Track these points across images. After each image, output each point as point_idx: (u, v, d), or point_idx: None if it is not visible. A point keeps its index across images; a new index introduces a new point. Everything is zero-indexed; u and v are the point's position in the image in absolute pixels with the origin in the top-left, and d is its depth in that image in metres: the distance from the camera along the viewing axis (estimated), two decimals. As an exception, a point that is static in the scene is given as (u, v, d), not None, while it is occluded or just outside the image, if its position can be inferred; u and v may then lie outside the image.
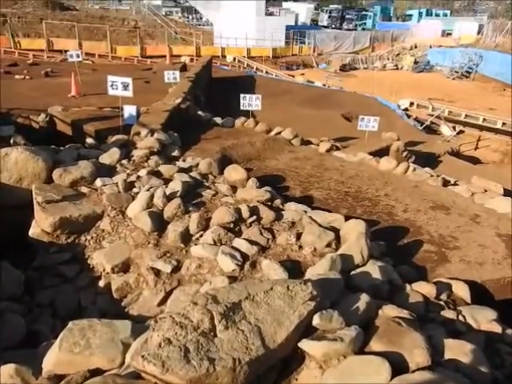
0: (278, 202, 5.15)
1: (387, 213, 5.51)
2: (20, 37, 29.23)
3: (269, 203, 5.01)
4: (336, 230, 4.25)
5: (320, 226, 4.30)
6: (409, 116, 19.59)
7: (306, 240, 4.09)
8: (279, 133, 8.65)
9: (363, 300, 2.82)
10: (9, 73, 15.14)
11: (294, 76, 28.49)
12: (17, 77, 14.31)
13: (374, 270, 3.57)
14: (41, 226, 4.78)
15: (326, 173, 6.84)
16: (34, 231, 4.82)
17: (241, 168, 6.01)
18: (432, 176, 6.95)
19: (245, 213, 4.57)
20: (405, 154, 10.30)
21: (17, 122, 8.19)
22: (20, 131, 7.03)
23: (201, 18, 56.63)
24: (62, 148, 6.23)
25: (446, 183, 6.80)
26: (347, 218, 4.50)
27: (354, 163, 7.51)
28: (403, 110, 20.36)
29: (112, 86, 7.33)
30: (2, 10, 34.41)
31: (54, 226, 4.69)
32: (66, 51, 20.51)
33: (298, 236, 4.19)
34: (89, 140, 7.12)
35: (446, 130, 18.69)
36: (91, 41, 30.25)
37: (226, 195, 5.27)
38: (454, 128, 18.91)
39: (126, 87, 7.29)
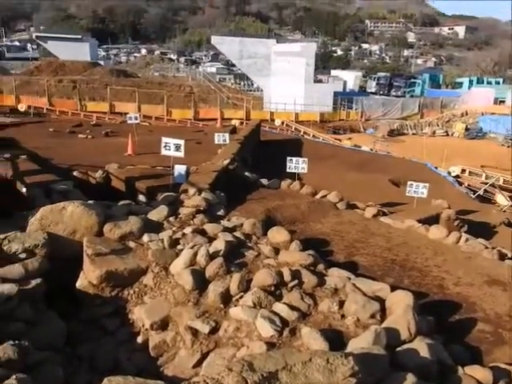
0: (321, 266, 5.04)
1: (437, 285, 5.22)
2: (86, 100, 31.92)
3: (311, 267, 4.92)
4: (381, 301, 4.07)
5: (364, 294, 4.13)
6: (460, 183, 19.05)
7: (348, 309, 3.93)
8: (325, 196, 8.65)
9: (409, 381, 2.62)
10: (73, 132, 16.42)
11: (340, 140, 28.87)
12: (80, 136, 15.48)
13: (421, 347, 3.33)
14: (88, 277, 4.92)
15: (372, 239, 6.68)
16: (81, 283, 4.97)
17: (284, 230, 6.00)
18: (487, 248, 6.58)
19: (286, 276, 4.50)
20: (456, 222, 9.91)
21: (76, 177, 8.73)
22: (78, 186, 7.47)
23: (252, 85, 59.69)
24: (114, 203, 6.52)
25: (502, 256, 6.40)
26: (393, 288, 4.30)
27: (401, 230, 7.30)
28: (454, 177, 19.87)
29: (165, 146, 7.73)
30: (73, 77, 38.04)
31: (100, 278, 4.81)
32: (126, 114, 22.14)
33: (341, 304, 4.04)
34: (140, 196, 7.43)
35: (501, 199, 17.93)
36: (149, 104, 32.45)
37: (269, 257, 5.24)
38: (510, 198, 18.12)
39: (178, 148, 7.66)
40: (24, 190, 6.82)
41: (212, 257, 4.95)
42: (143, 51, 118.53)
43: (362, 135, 34.34)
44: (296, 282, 4.47)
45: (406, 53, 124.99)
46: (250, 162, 12.04)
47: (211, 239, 5.59)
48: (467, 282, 5.32)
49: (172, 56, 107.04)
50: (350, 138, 30.89)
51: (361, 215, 8.07)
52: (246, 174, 9.72)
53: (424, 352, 3.27)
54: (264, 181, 9.37)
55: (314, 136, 29.31)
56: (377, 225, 7.52)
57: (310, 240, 6.30)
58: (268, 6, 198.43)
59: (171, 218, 6.18)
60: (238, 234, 5.87)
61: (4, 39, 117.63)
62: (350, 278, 4.66)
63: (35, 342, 4.00)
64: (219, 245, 5.23)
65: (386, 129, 35.91)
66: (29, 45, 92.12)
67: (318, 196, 8.72)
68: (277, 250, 5.44)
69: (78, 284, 4.97)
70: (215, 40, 42.43)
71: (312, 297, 4.23)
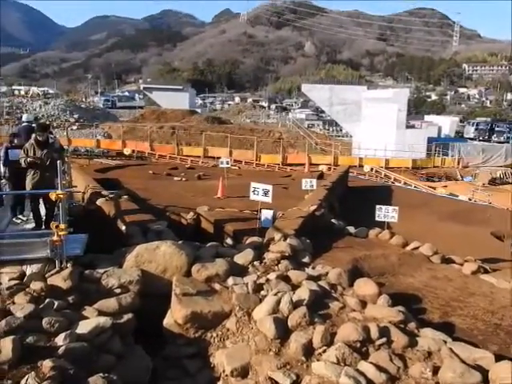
0: (412, 325, 4.67)
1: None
2: (183, 145, 34.25)
3: (402, 325, 4.58)
4: (483, 371, 3.63)
5: (463, 362, 3.73)
6: None
7: (444, 377, 3.56)
8: (417, 248, 8.13)
9: None
10: (169, 175, 17.60)
11: (434, 188, 27.33)
12: (175, 178, 16.52)
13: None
14: (174, 316, 5.07)
15: (471, 298, 6.07)
16: (167, 321, 5.14)
17: (372, 282, 5.71)
18: None
19: (374, 333, 4.24)
20: None
21: (169, 217, 9.24)
22: (171, 226, 7.88)
23: (341, 130, 59.77)
24: (203, 245, 6.76)
25: None
26: (498, 357, 3.82)
27: (507, 290, 6.55)
28: None
29: (254, 191, 7.92)
30: (172, 124, 41.29)
31: (185, 318, 4.94)
32: (218, 158, 23.30)
33: (435, 370, 3.68)
34: (227, 239, 7.62)
35: None
36: (240, 149, 33.86)
37: (355, 310, 5.00)
38: None
39: (266, 193, 7.81)
40: (124, 228, 7.35)
41: (295, 305, 4.85)
42: (237, 99, 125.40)
43: (458, 183, 32.20)
44: (384, 340, 4.19)
45: (509, 96, 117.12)
46: (337, 209, 11.84)
47: (295, 287, 5.51)
48: None
49: (263, 103, 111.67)
50: (445, 186, 29.11)
51: (458, 271, 7.41)
52: (333, 220, 9.56)
53: None
54: (351, 229, 9.11)
55: (405, 183, 28.15)
56: (477, 283, 6.84)
57: (400, 295, 5.90)
58: (359, 53, 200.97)
59: (256, 263, 6.23)
60: (322, 283, 5.71)
61: (116, 90, 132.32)
62: (445, 342, 4.24)
63: (122, 375, 4.17)
64: (303, 293, 5.12)
65: (486, 177, 33.33)
66: (137, 95, 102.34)
67: (409, 247, 8.23)
68: (363, 304, 5.18)
69: (164, 322, 5.15)
70: (305, 88, 43.59)
71: (402, 358, 3.91)
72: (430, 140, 38.54)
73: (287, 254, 6.50)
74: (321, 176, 18.44)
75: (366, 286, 5.60)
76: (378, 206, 8.90)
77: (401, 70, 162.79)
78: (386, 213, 8.79)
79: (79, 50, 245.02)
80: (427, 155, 37.40)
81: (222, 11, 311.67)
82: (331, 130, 69.25)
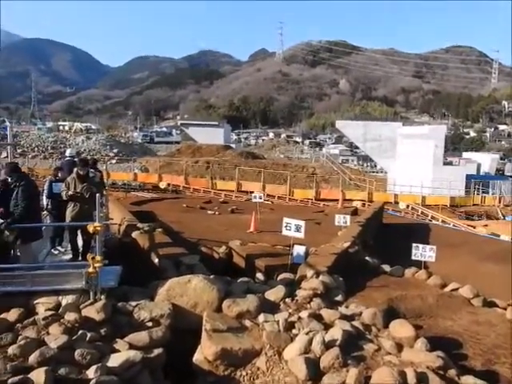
0: (452, 372, 4.42)
1: None
2: (217, 179, 34.80)
3: (441, 372, 4.35)
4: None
5: (509, 416, 3.47)
6: None
7: (489, 431, 3.32)
8: (456, 289, 7.77)
9: None
10: (203, 209, 17.82)
11: (474, 227, 26.33)
12: (209, 212, 16.70)
13: None
14: (204, 353, 5.01)
15: (517, 345, 5.70)
16: (197, 357, 5.08)
17: (409, 324, 5.48)
18: None
19: (411, 379, 4.03)
20: None
21: (201, 251, 9.29)
22: (203, 260, 7.91)
23: (375, 166, 59.26)
24: (234, 280, 6.73)
25: None
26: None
27: (555, 338, 6.13)
28: None
29: (286, 226, 7.89)
30: (207, 158, 42.21)
31: (215, 355, 4.87)
32: (251, 192, 23.46)
33: (479, 423, 3.44)
34: (258, 275, 7.56)
35: None
36: (273, 184, 34.02)
37: (390, 353, 4.79)
38: None
39: (298, 229, 7.76)
40: (157, 260, 7.45)
41: (328, 346, 4.70)
42: (271, 135, 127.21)
43: (500, 222, 30.89)
44: (422, 387, 3.97)
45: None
46: (372, 246, 11.55)
47: (327, 326, 5.36)
48: None
49: (297, 139, 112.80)
50: (485, 225, 27.99)
51: (501, 315, 7.00)
52: (367, 258, 9.33)
53: None
54: (386, 267, 8.85)
55: (443, 221, 27.30)
56: (523, 329, 6.44)
57: (439, 339, 5.62)
58: (394, 90, 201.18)
59: (288, 300, 6.12)
60: (356, 323, 5.53)
61: (155, 126, 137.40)
62: (489, 392, 3.98)
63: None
64: (336, 333, 4.97)
65: (530, 216, 31.90)
66: (174, 130, 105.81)
67: (447, 289, 7.88)
68: (400, 347, 4.96)
69: (194, 358, 5.09)
70: (340, 124, 43.78)
71: (441, 408, 3.68)
72: (468, 177, 37.53)
73: (320, 292, 6.37)
74: (355, 212, 18.17)
75: (402, 328, 5.37)
76: (414, 245, 8.63)
77: (437, 107, 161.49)
78: (422, 252, 8.51)
79: (121, 88, 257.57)
80: (466, 193, 36.32)
81: (258, 50, 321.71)
82: (365, 165, 68.79)
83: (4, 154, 30.92)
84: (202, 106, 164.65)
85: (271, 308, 5.87)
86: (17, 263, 6.39)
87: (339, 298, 6.54)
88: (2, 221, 6.19)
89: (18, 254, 6.72)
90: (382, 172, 50.00)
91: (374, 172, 56.18)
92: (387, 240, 13.71)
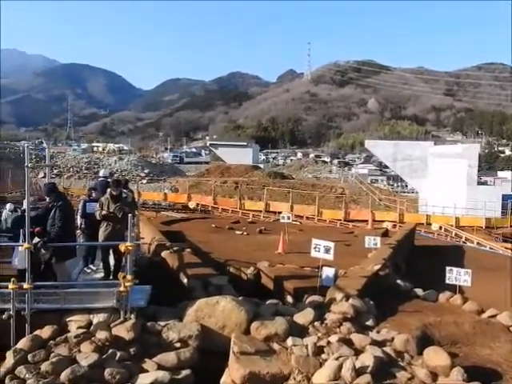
0: (491, 405, 4.21)
1: None
2: (245, 199, 34.93)
3: (479, 404, 4.14)
4: None
5: None
6: None
7: None
8: (493, 316, 7.44)
9: None
10: (231, 229, 17.86)
11: (512, 249, 25.31)
12: (237, 232, 16.72)
13: None
14: (232, 375, 4.96)
15: (561, 377, 5.37)
16: (225, 380, 5.03)
17: (444, 352, 5.27)
18: None
19: (447, 411, 3.86)
20: None
21: (230, 272, 9.29)
22: (231, 281, 7.90)
23: (406, 186, 58.23)
24: (262, 302, 6.68)
25: None
26: None
27: None
28: None
29: (315, 248, 7.80)
30: (236, 179, 42.56)
31: (243, 378, 4.81)
32: (279, 213, 23.41)
33: None
34: (287, 297, 7.48)
35: None
36: (301, 204, 33.84)
37: (424, 382, 4.62)
38: None
39: (327, 251, 7.65)
40: (185, 281, 7.49)
41: (358, 372, 4.58)
42: (299, 155, 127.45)
43: (539, 245, 29.62)
44: (459, 420, 3.79)
45: None
46: (403, 269, 11.24)
47: (358, 352, 5.22)
48: None
49: (325, 159, 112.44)
50: (524, 248, 26.88)
51: (544, 344, 6.66)
52: (399, 281, 9.08)
53: None
54: (419, 291, 8.57)
55: (478, 243, 26.35)
56: None
57: (476, 368, 5.37)
58: (425, 108, 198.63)
59: (317, 323, 6.01)
60: (388, 349, 5.37)
61: (184, 147, 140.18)
62: (532, 428, 3.75)
63: None
64: (367, 360, 4.84)
65: None
66: (203, 151, 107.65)
67: (484, 315, 7.55)
68: (434, 376, 4.77)
69: (222, 380, 5.05)
70: (369, 144, 43.44)
71: None
72: (504, 197, 36.26)
73: (349, 316, 6.23)
74: (385, 233, 17.78)
75: (436, 356, 5.17)
76: (448, 268, 8.34)
77: (470, 125, 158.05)
78: (457, 275, 8.21)
79: (153, 110, 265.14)
80: (502, 213, 35.04)
81: (285, 71, 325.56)
82: (396, 185, 67.68)
83: (41, 174, 32.12)
84: (230, 127, 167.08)
85: (300, 331, 5.77)
86: (50, 281, 6.56)
87: (370, 322, 6.37)
88: (38, 239, 6.39)
89: (55, 271, 6.90)
90: (412, 192, 49.04)
91: (404, 192, 55.15)
92: (419, 263, 13.33)
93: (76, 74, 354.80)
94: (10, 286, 5.63)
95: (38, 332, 5.58)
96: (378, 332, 6.07)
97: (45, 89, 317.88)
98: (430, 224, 30.75)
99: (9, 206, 12.30)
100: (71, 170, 50.35)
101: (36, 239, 6.34)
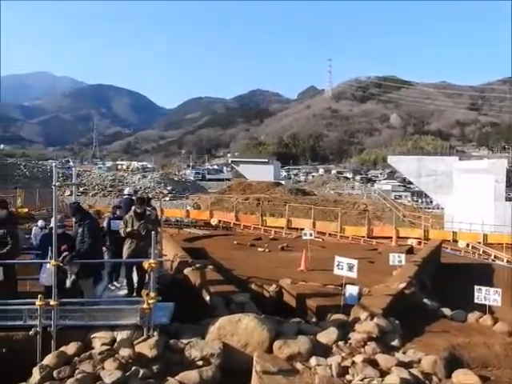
0: (526, 431, 4.02)
1: None
2: (267, 216, 34.86)
3: (512, 431, 3.96)
4: None
5: None
6: None
7: None
8: (526, 337, 7.16)
9: None
10: (253, 246, 17.83)
11: (544, 267, 24.37)
12: (259, 249, 16.68)
13: None
14: (254, 396, 4.90)
15: None
16: (247, 400, 4.97)
17: (474, 375, 5.09)
18: None
19: None
20: None
21: (252, 289, 9.25)
22: (254, 298, 7.86)
23: (431, 202, 57.11)
24: (285, 320, 6.60)
25: None
26: None
27: None
28: None
29: (338, 265, 7.71)
30: (257, 195, 42.63)
31: (266, 398, 4.74)
32: (301, 229, 23.24)
33: None
34: (310, 315, 7.38)
35: None
36: (323, 221, 33.54)
37: (454, 406, 4.44)
38: None
39: (351, 268, 7.55)
40: (208, 298, 7.49)
41: (384, 395, 4.45)
42: (321, 171, 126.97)
43: None
44: None
45: None
46: (429, 288, 10.96)
47: (384, 373, 5.09)
48: None
49: (348, 175, 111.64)
50: (556, 266, 25.86)
51: None
52: (425, 300, 8.85)
53: None
54: (446, 310, 8.33)
55: (508, 261, 25.53)
56: None
57: (510, 393, 5.16)
58: (449, 123, 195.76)
59: (341, 343, 5.90)
60: (415, 371, 5.22)
61: (206, 164, 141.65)
62: None
63: None
64: (393, 381, 4.73)
65: None
66: (225, 168, 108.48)
67: (516, 336, 7.28)
68: (464, 400, 4.60)
69: (244, 401, 4.99)
70: (392, 159, 42.91)
71: None
72: (534, 214, 35.14)
73: (374, 336, 6.10)
74: (410, 251, 17.42)
75: (466, 379, 5.00)
76: (477, 287, 8.09)
77: (496, 140, 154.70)
78: (486, 295, 7.94)
79: (175, 128, 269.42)
80: (532, 230, 33.91)
81: (306, 88, 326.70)
82: (420, 201, 66.49)
83: (68, 192, 32.89)
84: (251, 144, 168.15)
85: (323, 351, 5.67)
86: (76, 297, 6.66)
87: (396, 342, 6.21)
88: (66, 253, 6.52)
89: (82, 289, 7.00)
90: (437, 208, 48.05)
91: (429, 208, 54.06)
92: (446, 281, 12.98)
93: (102, 94, 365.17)
94: (37, 302, 5.75)
95: (63, 348, 5.65)
96: (404, 353, 5.91)
97: (72, 109, 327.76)
98: (457, 241, 30.00)
99: (40, 222, 12.59)
100: (96, 187, 51.40)
101: (64, 254, 6.48)
